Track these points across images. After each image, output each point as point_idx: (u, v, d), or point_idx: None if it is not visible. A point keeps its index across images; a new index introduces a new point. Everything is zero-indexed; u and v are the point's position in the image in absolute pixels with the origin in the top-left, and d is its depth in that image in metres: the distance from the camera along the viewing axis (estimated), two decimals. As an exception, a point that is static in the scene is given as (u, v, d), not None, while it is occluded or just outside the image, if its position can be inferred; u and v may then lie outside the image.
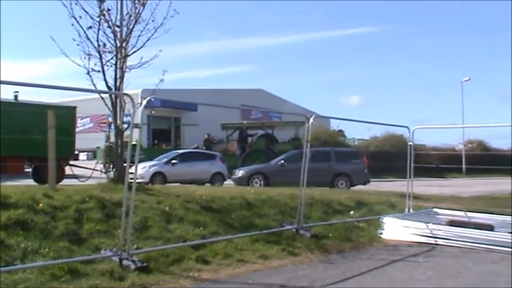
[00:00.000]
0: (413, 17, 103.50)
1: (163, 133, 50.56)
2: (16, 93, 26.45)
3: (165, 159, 25.42)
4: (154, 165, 24.43)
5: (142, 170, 23.03)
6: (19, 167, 21.50)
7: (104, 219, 9.89)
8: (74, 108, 23.85)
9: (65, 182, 19.17)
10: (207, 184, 23.60)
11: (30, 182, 19.27)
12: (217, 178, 25.30)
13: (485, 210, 14.98)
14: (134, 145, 29.06)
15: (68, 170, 21.98)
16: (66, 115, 23.04)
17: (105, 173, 14.63)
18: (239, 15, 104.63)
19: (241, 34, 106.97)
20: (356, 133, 54.67)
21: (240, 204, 12.80)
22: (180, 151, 28.23)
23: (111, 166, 15.43)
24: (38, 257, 7.90)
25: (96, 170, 24.06)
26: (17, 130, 19.74)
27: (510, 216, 13.58)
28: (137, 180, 20.70)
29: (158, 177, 23.54)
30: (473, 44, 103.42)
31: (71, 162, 23.14)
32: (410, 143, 15.07)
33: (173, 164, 24.78)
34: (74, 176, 20.41)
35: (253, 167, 24.81)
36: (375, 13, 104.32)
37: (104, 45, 13.43)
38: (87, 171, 20.20)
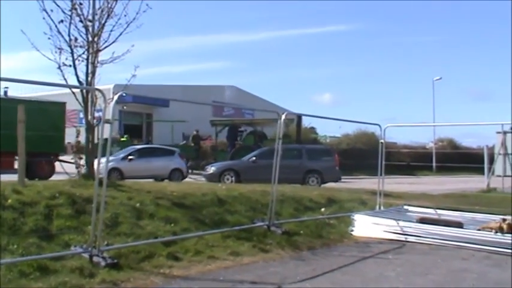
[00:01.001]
0: (386, 16, 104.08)
1: (135, 129, 50.32)
2: (6, 89, 26.34)
3: (122, 155, 24.98)
4: (110, 161, 23.71)
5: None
6: (10, 162, 21.52)
7: (74, 215, 9.80)
8: (64, 104, 24.28)
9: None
10: (166, 180, 23.40)
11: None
12: (175, 174, 24.88)
13: (455, 208, 15.15)
14: (124, 141, 29.15)
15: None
16: (56, 111, 23.40)
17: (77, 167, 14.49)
18: (212, 11, 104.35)
19: (214, 30, 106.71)
20: (328, 130, 55.02)
21: (211, 200, 12.79)
22: (138, 146, 27.71)
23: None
24: (6, 254, 7.80)
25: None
26: (7, 126, 19.72)
27: (479, 214, 13.78)
28: None
29: (115, 173, 22.74)
30: (444, 43, 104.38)
31: (61, 157, 23.71)
32: (382, 141, 15.16)
33: (130, 159, 24.34)
34: (66, 173, 20.48)
35: (224, 164, 24.85)
36: (348, 11, 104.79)
37: (76, 39, 13.33)
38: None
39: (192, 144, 34.34)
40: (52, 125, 22.86)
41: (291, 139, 35.19)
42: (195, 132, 35.90)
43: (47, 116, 22.26)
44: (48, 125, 22.18)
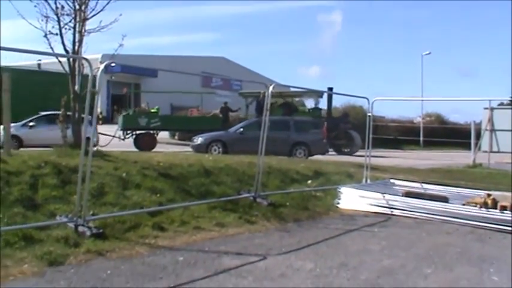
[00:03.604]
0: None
1: (123, 99, 50.04)
2: (39, 61, 26.24)
3: (23, 122, 23.55)
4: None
5: None
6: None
7: (60, 185, 9.78)
8: (86, 76, 24.33)
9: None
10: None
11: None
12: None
13: (441, 183, 15.24)
14: (155, 113, 29.45)
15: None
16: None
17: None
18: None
19: (204, 1, 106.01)
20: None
21: (197, 171, 12.77)
22: (43, 113, 25.46)
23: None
24: (-9, 223, 7.79)
25: (116, 137, 26.60)
26: (37, 97, 19.78)
27: (464, 189, 13.91)
28: None
29: (12, 141, 20.26)
30: (433, 19, 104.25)
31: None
32: (369, 114, 15.17)
33: (31, 126, 23.29)
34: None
35: (211, 134, 24.67)
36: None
37: (62, 7, 13.16)
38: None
39: (220, 116, 33.64)
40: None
41: (321, 112, 35.09)
42: (223, 105, 35.20)
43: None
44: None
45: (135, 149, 25.61)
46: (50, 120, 24.32)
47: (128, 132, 28.73)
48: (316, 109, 35.59)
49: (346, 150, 31.60)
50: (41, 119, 24.38)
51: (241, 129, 23.87)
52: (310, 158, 23.26)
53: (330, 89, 31.47)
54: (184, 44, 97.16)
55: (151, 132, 28.99)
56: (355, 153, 30.38)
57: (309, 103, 38.90)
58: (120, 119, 29.30)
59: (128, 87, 33.93)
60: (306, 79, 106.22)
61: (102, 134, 24.72)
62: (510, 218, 10.43)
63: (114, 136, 26.52)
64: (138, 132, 28.73)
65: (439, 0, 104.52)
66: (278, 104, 35.93)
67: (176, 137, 35.82)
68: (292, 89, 33.84)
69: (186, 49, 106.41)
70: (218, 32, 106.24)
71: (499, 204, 10.82)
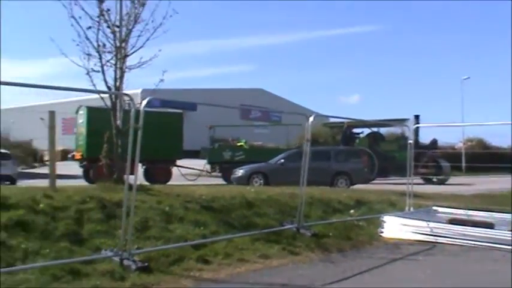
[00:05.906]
0: (414, 16, 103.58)
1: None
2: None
3: None
4: None
5: None
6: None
7: (105, 219, 9.88)
8: (181, 113, 27.63)
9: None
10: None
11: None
12: None
13: (485, 208, 15.00)
14: (241, 145, 30.79)
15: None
16: (174, 121, 25.49)
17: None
18: (239, 13, 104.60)
19: (241, 33, 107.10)
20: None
21: (240, 203, 12.79)
22: None
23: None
24: (39, 258, 7.91)
25: (203, 171, 28.86)
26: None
27: (510, 214, 13.63)
28: None
29: None
30: (473, 43, 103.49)
31: (178, 163, 26.99)
32: (410, 141, 15.11)
33: None
34: (182, 175, 25.15)
35: (252, 166, 24.75)
36: (376, 12, 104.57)
37: (104, 45, 13.46)
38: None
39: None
40: (170, 134, 25.30)
41: (407, 141, 35.00)
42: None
43: (165, 126, 23.44)
44: (166, 134, 23.51)
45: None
46: None
47: (214, 166, 30.04)
48: (403, 137, 35.45)
49: (435, 179, 31.00)
50: None
51: (282, 160, 23.89)
52: (352, 187, 23.13)
53: (417, 116, 31.26)
54: (221, 76, 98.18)
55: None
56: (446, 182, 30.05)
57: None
58: (206, 152, 30.23)
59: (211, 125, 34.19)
60: (347, 108, 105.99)
61: (190, 168, 26.06)
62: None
63: (202, 170, 28.53)
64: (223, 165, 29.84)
65: (477, 22, 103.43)
66: (365, 134, 35.80)
67: (217, 170, 36.05)
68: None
69: (224, 81, 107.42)
70: (255, 63, 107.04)
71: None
